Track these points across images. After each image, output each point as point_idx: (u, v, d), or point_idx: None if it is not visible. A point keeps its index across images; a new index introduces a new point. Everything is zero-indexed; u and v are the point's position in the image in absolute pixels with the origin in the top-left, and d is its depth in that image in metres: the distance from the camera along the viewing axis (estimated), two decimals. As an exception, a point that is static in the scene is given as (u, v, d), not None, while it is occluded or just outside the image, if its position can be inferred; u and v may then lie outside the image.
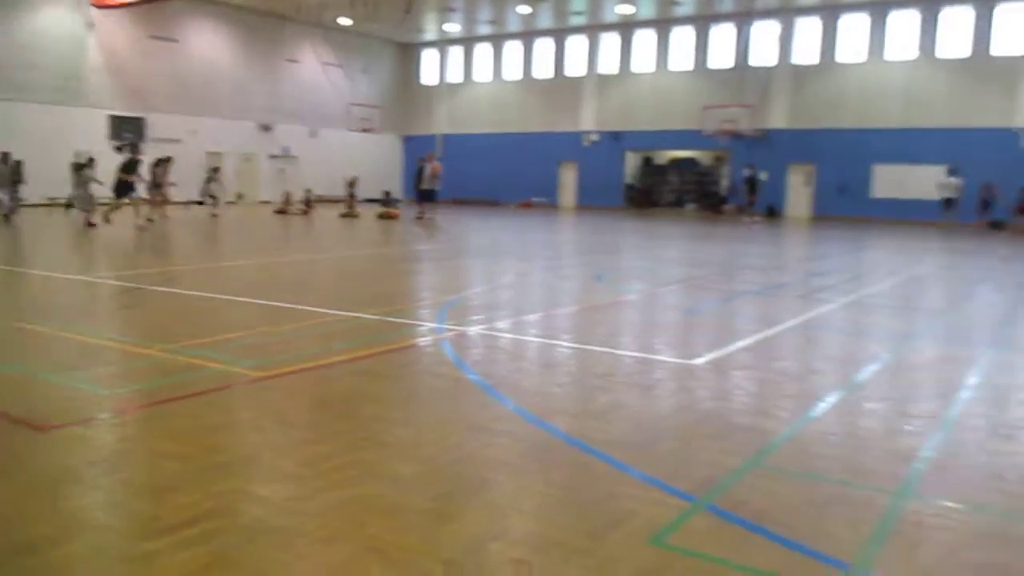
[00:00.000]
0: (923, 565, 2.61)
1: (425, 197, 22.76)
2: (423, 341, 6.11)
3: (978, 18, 29.18)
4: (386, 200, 25.85)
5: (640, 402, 4.52)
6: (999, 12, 28.71)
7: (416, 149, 35.19)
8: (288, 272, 10.49)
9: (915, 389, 5.07)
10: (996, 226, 26.03)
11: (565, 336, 6.58)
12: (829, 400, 4.65)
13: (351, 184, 25.85)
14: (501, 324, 6.85)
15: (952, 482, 3.38)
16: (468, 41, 39.88)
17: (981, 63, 29.04)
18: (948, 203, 25.23)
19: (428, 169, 22.49)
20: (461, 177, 36.76)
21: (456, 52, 40.40)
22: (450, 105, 40.87)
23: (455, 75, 40.65)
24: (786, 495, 3.17)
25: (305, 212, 24.63)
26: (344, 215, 23.74)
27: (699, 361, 5.59)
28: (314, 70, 36.25)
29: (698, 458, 3.58)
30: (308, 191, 26.17)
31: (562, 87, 37.50)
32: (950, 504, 3.14)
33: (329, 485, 3.15)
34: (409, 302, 8.35)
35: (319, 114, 36.69)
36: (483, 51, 39.73)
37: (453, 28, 37.93)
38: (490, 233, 19.09)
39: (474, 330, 6.52)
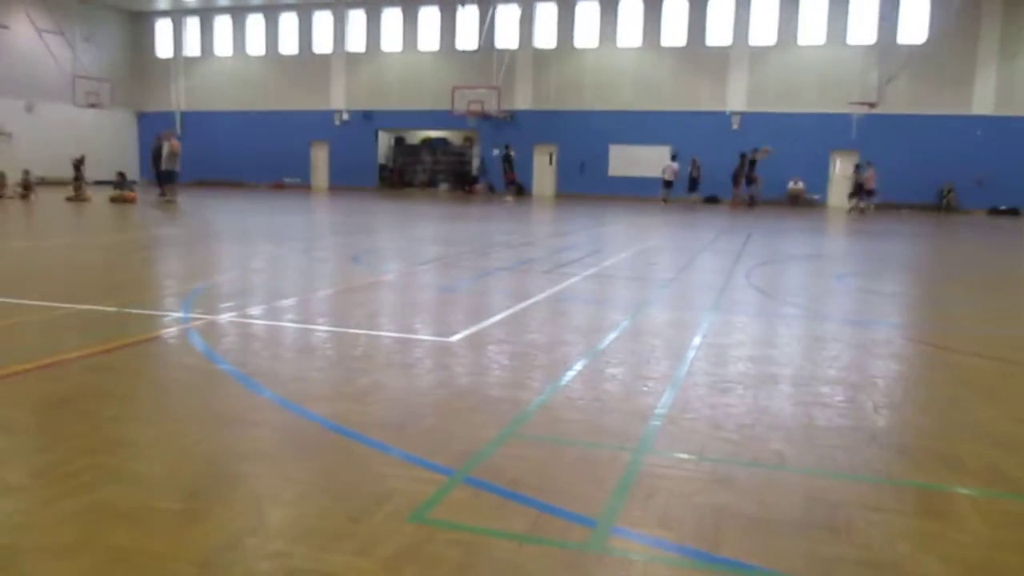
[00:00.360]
0: (659, 512, 2.87)
1: (165, 178, 21.32)
2: (168, 332, 5.74)
3: (692, 11, 31.99)
4: (120, 182, 23.86)
5: (398, 382, 4.56)
6: (712, 5, 31.62)
7: (153, 127, 32.69)
8: (5, 262, 9.40)
9: (649, 352, 5.52)
10: (710, 200, 28.97)
11: (321, 320, 6.47)
12: (575, 368, 4.95)
13: (78, 164, 23.59)
14: (254, 310, 6.59)
15: (682, 435, 3.73)
16: (206, 12, 37.56)
17: (697, 52, 31.90)
18: (668, 184, 28.39)
19: (166, 148, 21.04)
20: (205, 157, 34.70)
21: (193, 24, 37.91)
22: (189, 80, 38.34)
23: (193, 48, 38.14)
24: (538, 460, 3.35)
25: (24, 196, 22.15)
26: (71, 199, 21.65)
27: (455, 338, 5.73)
28: (29, 38, 32.43)
29: (456, 432, 3.68)
30: (27, 172, 23.51)
31: (310, 64, 36.45)
32: (681, 455, 3.46)
33: (63, 493, 2.88)
34: (151, 291, 7.79)
35: (37, 87, 32.96)
36: (223, 24, 37.62)
37: (189, -2, 35.57)
38: (239, 216, 18.25)
39: (224, 318, 6.22)
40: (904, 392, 4.81)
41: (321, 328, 6.08)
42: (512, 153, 30.31)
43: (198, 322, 6.02)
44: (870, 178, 26.58)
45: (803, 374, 4.99)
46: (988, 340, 6.38)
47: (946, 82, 29.83)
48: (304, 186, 36.54)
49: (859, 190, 26.54)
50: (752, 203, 27.52)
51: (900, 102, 29.14)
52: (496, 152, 30.08)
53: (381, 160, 37.20)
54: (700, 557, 2.56)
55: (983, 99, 29.81)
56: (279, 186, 35.90)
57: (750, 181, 27.78)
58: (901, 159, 29.36)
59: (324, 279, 8.90)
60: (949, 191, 29.88)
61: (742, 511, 2.90)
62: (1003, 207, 29.67)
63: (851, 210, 26.52)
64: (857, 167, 27.06)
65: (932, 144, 29.46)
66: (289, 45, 36.68)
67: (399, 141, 38.18)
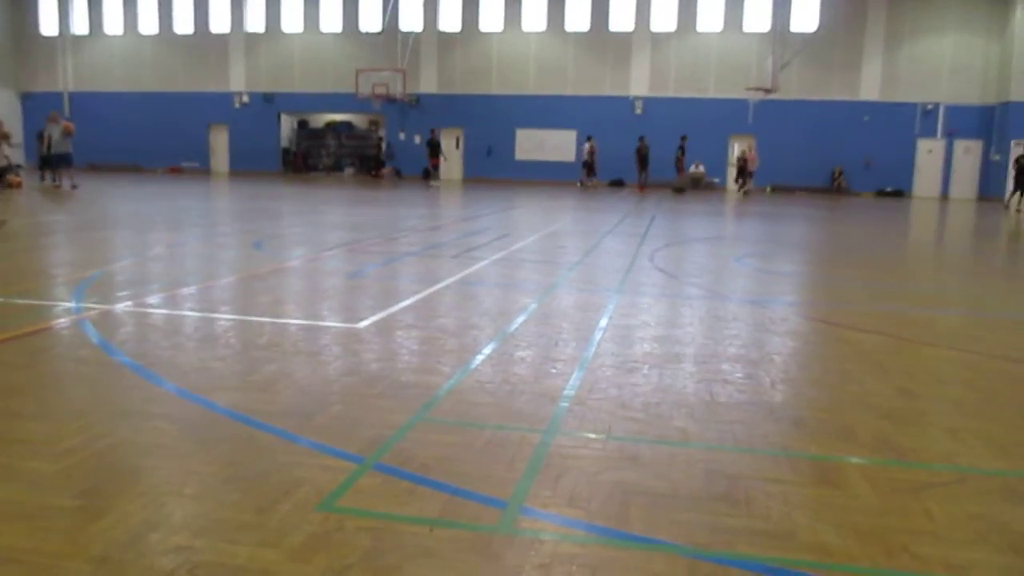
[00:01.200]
0: (569, 491, 2.92)
1: (57, 162, 20.40)
2: (60, 323, 5.49)
3: (595, -4, 32.30)
4: (5, 167, 22.54)
5: (305, 370, 4.48)
6: (612, -9, 31.94)
7: (40, 108, 31.01)
8: None
9: (557, 334, 5.59)
10: (615, 184, 29.47)
11: (224, 308, 6.30)
12: (485, 351, 4.97)
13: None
14: (152, 299, 6.37)
15: (590, 415, 3.80)
16: (93, -12, 35.76)
17: (600, 37, 32.28)
18: (586, 165, 28.96)
19: (58, 130, 20.07)
20: (97, 140, 33.17)
21: (80, 1, 36.09)
22: (77, 59, 36.51)
23: (81, 26, 36.30)
24: (449, 445, 3.36)
25: None
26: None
27: (363, 324, 5.67)
28: None
29: (365, 419, 3.65)
30: None
31: (207, 44, 35.22)
32: (590, 435, 3.53)
33: (-54, 498, 2.73)
34: (40, 280, 7.42)
35: (-96, 65, 30.82)
36: (112, 1, 35.92)
37: (74, -28, 33.86)
38: (134, 201, 17.54)
39: (121, 307, 5.99)
40: (799, 367, 5.02)
41: (224, 316, 5.92)
42: (438, 138, 29.88)
43: (92, 312, 5.77)
44: (751, 160, 27.69)
45: (705, 352, 5.14)
46: (876, 316, 6.71)
47: (835, 69, 31.08)
48: (203, 171, 35.37)
49: (742, 172, 27.56)
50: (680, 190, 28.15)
51: (793, 88, 30.18)
52: (418, 137, 29.63)
53: (284, 144, 36.32)
54: (609, 534, 2.62)
55: (870, 85, 31.19)
56: (176, 170, 34.67)
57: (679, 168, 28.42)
58: (795, 143, 30.50)
59: (225, 266, 8.65)
60: (840, 174, 31.21)
61: (648, 487, 2.98)
62: (889, 189, 31.18)
63: (739, 191, 27.59)
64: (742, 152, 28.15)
65: (823, 128, 30.69)
66: (184, 24, 35.32)
67: (302, 124, 37.35)
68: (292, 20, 34.43)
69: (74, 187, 19.95)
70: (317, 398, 3.99)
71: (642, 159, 28.16)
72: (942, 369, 5.05)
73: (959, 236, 16.38)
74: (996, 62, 30.56)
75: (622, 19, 32.17)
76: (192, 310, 6.14)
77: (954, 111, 30.69)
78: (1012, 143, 30.21)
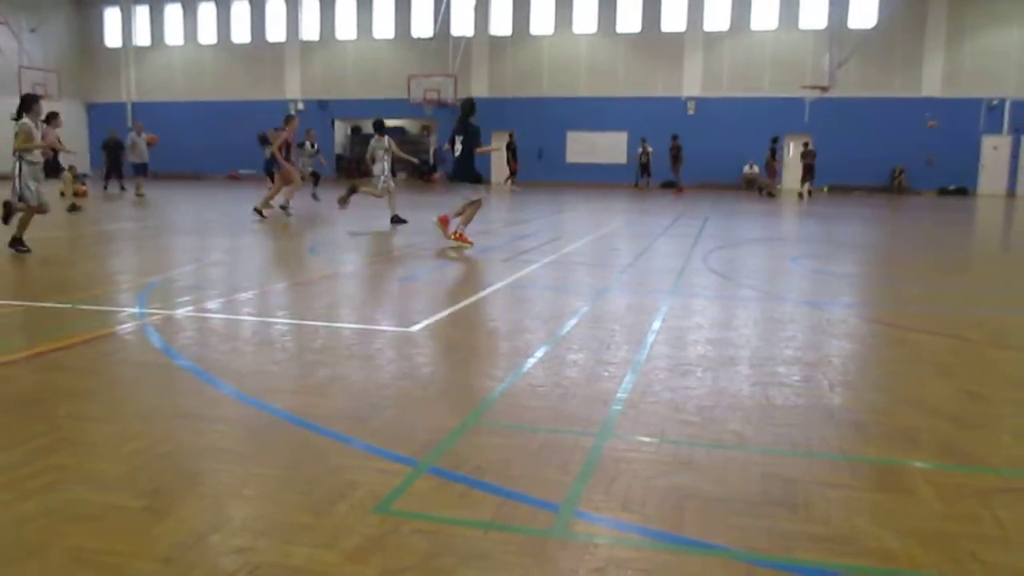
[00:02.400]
0: (622, 495, 2.90)
1: (134, 170, 21.39)
2: (123, 328, 5.64)
3: (646, -5, 32.05)
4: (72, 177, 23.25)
5: (359, 373, 4.54)
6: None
7: (104, 118, 31.95)
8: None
9: (609, 337, 5.56)
10: (669, 186, 29.19)
11: (280, 312, 6.41)
12: (537, 355, 4.97)
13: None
14: (211, 304, 6.51)
15: (643, 419, 3.77)
16: (156, 0, 36.75)
17: (652, 38, 32.04)
18: (644, 168, 28.66)
19: (141, 140, 21.10)
20: (158, 149, 34.02)
21: (143, 12, 37.10)
22: (139, 70, 37.55)
23: (143, 37, 37.32)
24: (502, 448, 3.36)
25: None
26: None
27: (416, 328, 5.71)
28: (-29, 29, 31.48)
29: (419, 423, 3.68)
30: None
31: (263, 53, 35.92)
32: (643, 439, 3.50)
33: (20, 496, 2.83)
34: (106, 286, 7.64)
35: (-20, 78, 31.98)
36: (174, 12, 36.87)
37: (139, -13, 34.85)
38: (196, 208, 17.94)
39: (181, 312, 6.13)
40: (858, 370, 4.91)
41: (280, 321, 6.02)
42: (516, 141, 29.49)
43: (155, 317, 5.92)
44: (776, 164, 26.71)
45: (760, 355, 5.06)
46: (938, 318, 6.53)
47: (895, 65, 30.36)
48: (260, 178, 36.07)
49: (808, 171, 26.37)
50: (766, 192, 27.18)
51: (851, 85, 29.56)
52: (501, 142, 29.38)
53: (338, 150, 36.83)
54: (663, 538, 2.60)
55: (931, 81, 30.39)
56: (235, 177, 35.40)
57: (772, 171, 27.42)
58: (853, 142, 29.84)
59: (281, 271, 8.81)
60: (900, 172, 30.46)
61: (703, 491, 2.94)
62: (952, 187, 30.33)
63: (800, 194, 26.77)
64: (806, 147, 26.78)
65: (883, 126, 29.97)
66: (241, 34, 36.08)
67: (356, 130, 37.82)
68: (346, 27, 34.92)
69: (140, 195, 20.56)
70: (371, 401, 4.03)
71: (675, 159, 27.62)
72: (1009, 371, 4.89)
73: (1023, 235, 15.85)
74: (1064, 54, 29.51)
75: (674, 19, 31.90)
76: (249, 315, 6.26)
77: (1021, 106, 29.72)
78: (1088, 137, 29.08)
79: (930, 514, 2.78)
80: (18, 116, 9.00)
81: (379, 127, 14.96)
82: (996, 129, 30.15)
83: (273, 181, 16.41)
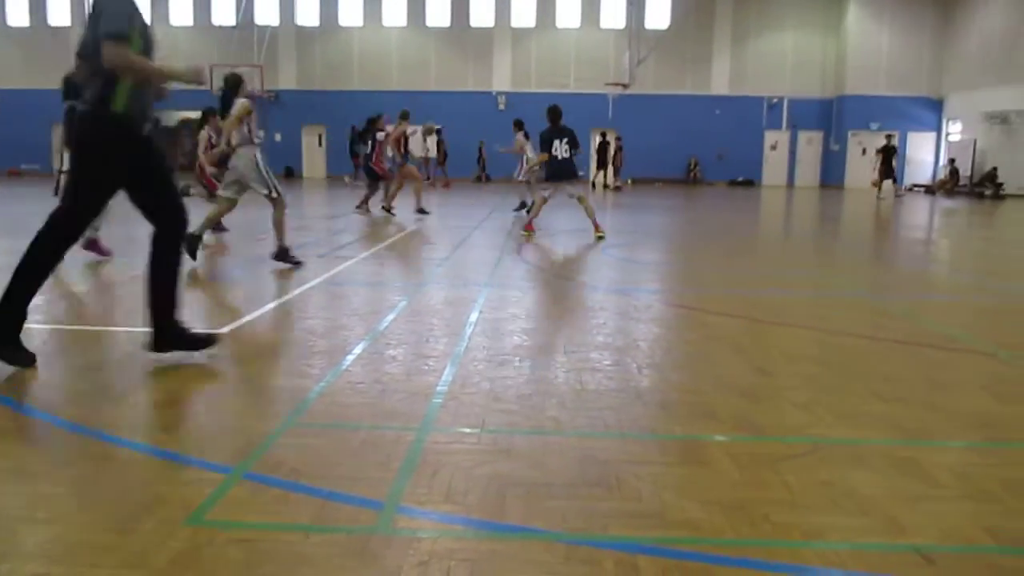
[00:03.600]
0: (445, 487, 2.92)
1: None
2: None
3: (455, -10, 32.31)
4: None
5: (166, 380, 4.28)
6: (473, -14, 32.12)
7: None
8: None
9: (428, 331, 5.58)
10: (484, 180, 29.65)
11: (75, 319, 5.93)
12: (355, 352, 4.90)
13: None
14: (-11, 313, 5.91)
15: (463, 410, 3.81)
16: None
17: (461, 33, 32.34)
18: (427, 160, 28.83)
19: None
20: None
21: None
22: None
23: None
24: (321, 448, 3.29)
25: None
26: None
27: (226, 329, 5.47)
28: None
29: (233, 428, 3.53)
30: None
31: (45, 38, 33.01)
32: (464, 430, 3.54)
33: None
34: None
35: None
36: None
37: None
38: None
39: (-47, 324, 5.53)
40: (664, 352, 5.20)
41: (74, 327, 5.58)
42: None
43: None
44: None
45: (573, 342, 5.25)
46: (732, 300, 7.04)
47: (688, 64, 32.37)
48: (45, 173, 33.18)
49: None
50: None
51: (649, 83, 31.23)
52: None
53: (134, 143, 34.52)
54: (486, 527, 2.64)
55: (720, 80, 32.65)
56: (15, 173, 32.37)
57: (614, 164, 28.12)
58: (653, 136, 31.56)
59: (74, 275, 8.15)
60: (695, 165, 32.54)
61: (524, 478, 3.02)
62: (740, 178, 32.76)
63: (606, 185, 27.93)
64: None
65: (678, 122, 31.89)
66: (18, 16, 32.98)
67: (155, 123, 35.58)
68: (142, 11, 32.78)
69: None
70: (179, 409, 3.82)
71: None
72: (793, 347, 5.36)
73: (804, 222, 17.40)
74: (833, 58, 32.62)
75: (482, 15, 32.37)
76: (39, 323, 5.75)
77: (797, 104, 32.59)
78: (849, 134, 32.34)
79: (729, 483, 2.99)
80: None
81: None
82: (776, 125, 32.88)
83: (376, 180, 15.48)
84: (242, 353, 4.92)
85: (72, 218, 4.27)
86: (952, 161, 29.53)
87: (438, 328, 5.71)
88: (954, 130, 31.17)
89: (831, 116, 32.79)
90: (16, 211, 15.68)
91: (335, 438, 3.43)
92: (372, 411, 3.81)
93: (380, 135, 15.30)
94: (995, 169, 27.93)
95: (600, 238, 11.41)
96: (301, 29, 32.73)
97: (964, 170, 29.51)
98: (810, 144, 33.42)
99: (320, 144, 33.19)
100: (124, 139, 4.30)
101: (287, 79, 32.76)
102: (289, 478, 2.97)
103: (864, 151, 31.81)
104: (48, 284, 4.69)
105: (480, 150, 29.98)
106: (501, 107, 31.87)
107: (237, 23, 31.40)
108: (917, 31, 31.45)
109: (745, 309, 6.53)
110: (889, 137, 24.42)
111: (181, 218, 4.51)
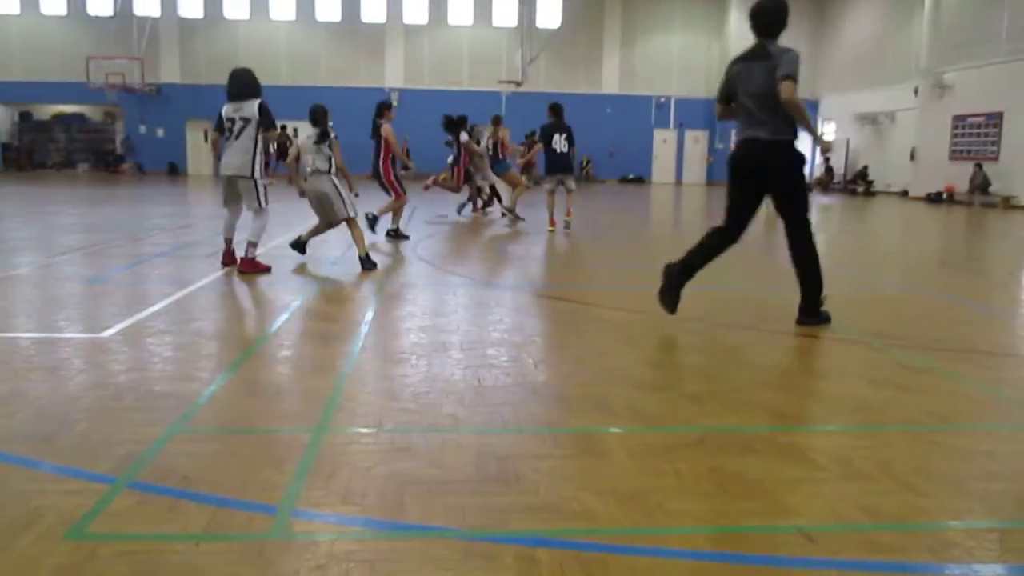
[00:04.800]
0: (342, 488, 2.89)
1: None
2: None
3: (346, -16, 31.80)
4: None
5: (42, 387, 4.06)
6: (364, -18, 31.72)
7: None
8: None
9: (325, 330, 5.48)
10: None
11: (-64, 326, 5.55)
12: (247, 353, 4.77)
13: None
14: None
15: (360, 410, 3.77)
16: None
17: (353, 28, 31.88)
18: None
19: None
20: None
21: None
22: None
23: None
24: (212, 454, 3.19)
25: None
26: None
27: (108, 333, 5.23)
28: None
29: (116, 436, 3.38)
30: None
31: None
32: (361, 429, 3.50)
33: None
34: None
35: None
36: None
37: None
38: None
39: None
40: (559, 347, 5.28)
41: (-63, 335, 5.22)
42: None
43: None
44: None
45: (470, 339, 5.27)
46: (623, 295, 7.20)
47: (579, 63, 32.89)
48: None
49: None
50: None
51: (542, 81, 31.55)
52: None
53: (4, 139, 32.57)
54: (385, 527, 2.62)
55: (610, 79, 33.31)
56: None
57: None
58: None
59: (-64, 278, 7.63)
60: (587, 163, 33.05)
61: (422, 476, 3.01)
62: (631, 175, 33.50)
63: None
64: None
65: (570, 120, 32.26)
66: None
67: (25, 116, 33.67)
68: (6, 1, 30.89)
69: None
70: (58, 417, 3.63)
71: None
72: (683, 339, 5.53)
73: (692, 217, 17.95)
74: (717, 59, 33.72)
75: (374, 10, 32.00)
76: None
77: (684, 104, 33.56)
78: (732, 133, 33.48)
79: (624, 473, 3.07)
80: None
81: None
82: (665, 124, 33.78)
83: (465, 183, 14.80)
84: (126, 358, 4.71)
85: (808, 223, 5.69)
86: (827, 159, 31.01)
87: (333, 328, 5.62)
88: (829, 130, 32.71)
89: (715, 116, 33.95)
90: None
91: (227, 443, 3.34)
92: (265, 414, 3.72)
93: (464, 137, 14.69)
94: (866, 167, 29.58)
95: (555, 230, 12.41)
96: (184, 21, 31.55)
97: (838, 168, 31.11)
98: (696, 143, 34.49)
99: (206, 140, 32.07)
100: (801, 160, 5.63)
101: (170, 73, 31.54)
102: (178, 486, 2.87)
103: (747, 150, 32.99)
104: None
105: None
106: (394, 103, 31.60)
107: (115, 13, 30.00)
108: (794, 35, 32.55)
109: (637, 303, 6.68)
110: None
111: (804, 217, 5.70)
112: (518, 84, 29.79)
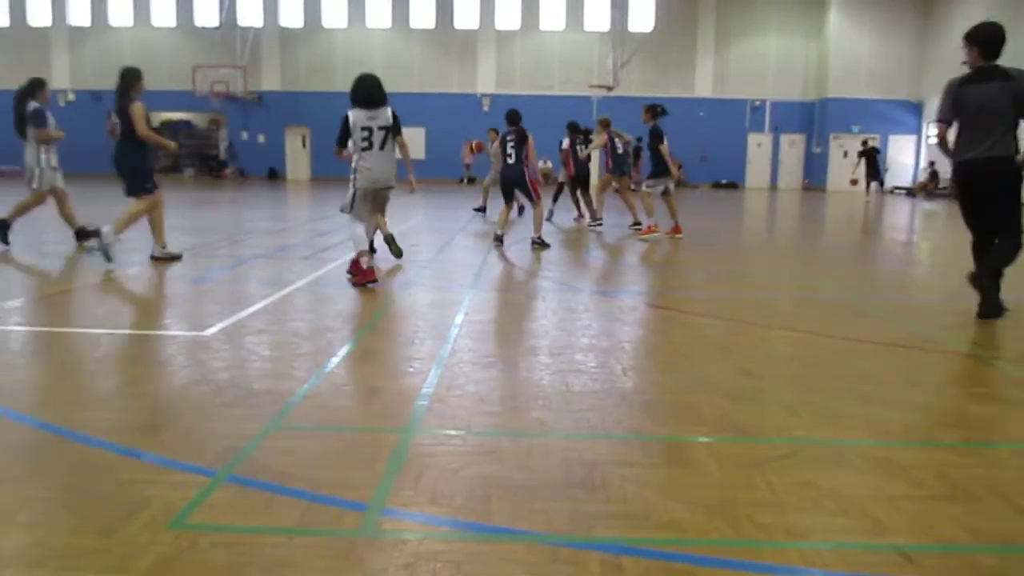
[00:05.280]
0: (430, 489, 2.92)
1: None
2: None
3: (441, -7, 32.32)
4: None
5: (149, 382, 4.26)
6: (458, -11, 32.20)
7: None
8: None
9: (413, 333, 5.57)
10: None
11: (57, 320, 5.89)
12: (340, 354, 4.89)
13: None
14: (-31, 316, 5.86)
15: (449, 412, 3.81)
16: None
17: (446, 34, 32.34)
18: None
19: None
20: None
21: None
22: None
23: None
24: (306, 451, 3.28)
25: None
26: None
27: (211, 331, 5.44)
28: None
29: (217, 430, 3.51)
30: None
31: (25, 38, 32.76)
32: (449, 432, 3.54)
33: None
34: None
35: None
36: (-90, -11, 32.82)
37: None
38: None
39: (-68, 327, 5.48)
40: (648, 354, 5.22)
41: (56, 330, 5.54)
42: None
43: (-101, 333, 5.25)
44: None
45: (559, 344, 5.26)
46: (716, 302, 7.07)
47: (672, 67, 32.50)
48: (21, 173, 32.92)
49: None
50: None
51: (633, 85, 31.31)
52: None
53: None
54: (472, 528, 2.64)
55: (703, 83, 32.79)
56: (-6, 174, 32.05)
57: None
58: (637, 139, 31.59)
59: (55, 277, 8.09)
60: (679, 167, 32.62)
61: (509, 480, 3.02)
62: (724, 181, 32.90)
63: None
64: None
65: (663, 124, 31.93)
66: (-2, 16, 32.74)
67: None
68: (121, 13, 32.55)
69: None
70: (163, 411, 3.80)
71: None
72: (776, 348, 5.39)
73: (788, 224, 17.50)
74: (815, 61, 32.84)
75: (467, 17, 32.38)
76: (19, 325, 5.71)
77: (779, 107, 32.78)
78: (831, 136, 32.54)
79: (712, 484, 3.01)
80: None
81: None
82: (760, 128, 33.05)
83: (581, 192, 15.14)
84: (227, 355, 4.90)
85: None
86: (932, 164, 29.79)
87: (423, 330, 5.70)
88: (933, 133, 31.45)
89: (813, 119, 33.00)
90: None
91: (320, 440, 3.43)
92: (358, 413, 3.81)
93: (565, 142, 15.10)
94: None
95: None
96: (284, 30, 32.62)
97: (944, 173, 29.81)
98: (792, 146, 33.63)
99: (304, 146, 33.07)
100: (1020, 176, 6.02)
101: (271, 81, 32.63)
102: (274, 481, 2.96)
103: (845, 154, 32.08)
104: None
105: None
106: (485, 109, 31.89)
107: (220, 24, 31.25)
108: (897, 35, 31.71)
109: (729, 311, 6.56)
110: (865, 142, 24.82)
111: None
112: (609, 88, 29.64)
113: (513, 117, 11.12)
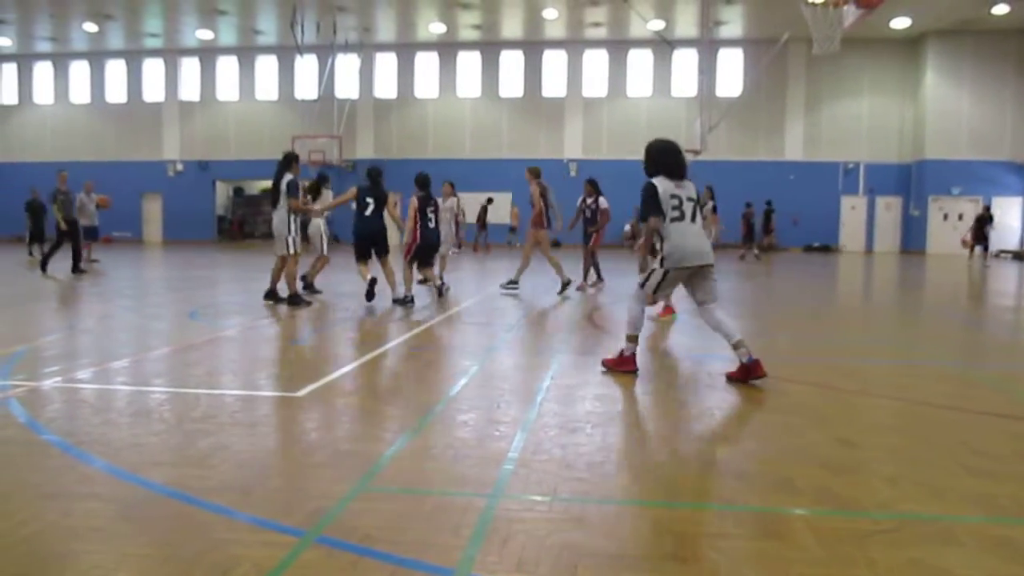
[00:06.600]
0: (516, 555, 2.88)
1: (87, 235, 18.80)
2: (-20, 403, 5.26)
3: (528, 63, 33.33)
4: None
5: (243, 442, 4.37)
6: (546, 59, 32.96)
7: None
8: None
9: (499, 396, 5.57)
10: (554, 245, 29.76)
11: (158, 381, 6.13)
12: (427, 416, 4.92)
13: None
14: (82, 374, 6.16)
15: (534, 477, 3.77)
16: (24, 58, 35.35)
17: (534, 102, 33.01)
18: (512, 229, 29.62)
19: (92, 201, 19.29)
20: (21, 211, 32.33)
21: (10, 70, 35.58)
22: (5, 129, 35.79)
23: (9, 96, 35.72)
24: (393, 513, 3.29)
25: None
26: None
27: (303, 392, 5.57)
28: None
29: (306, 491, 3.56)
30: None
31: (140, 113, 34.93)
32: (535, 497, 3.50)
33: None
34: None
35: None
36: (43, 70, 35.53)
37: (5, 43, 33.40)
38: (62, 272, 17.01)
39: (49, 383, 5.78)
40: (740, 421, 5.08)
41: (157, 390, 5.76)
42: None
43: (18, 389, 5.55)
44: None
45: (646, 409, 5.17)
46: (811, 368, 6.85)
47: (760, 131, 32.27)
48: (135, 240, 34.72)
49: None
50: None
51: (722, 149, 31.17)
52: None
53: (219, 211, 35.94)
54: (557, 598, 2.59)
55: (793, 146, 32.40)
56: (108, 240, 33.93)
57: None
58: (726, 202, 31.27)
59: (160, 337, 8.45)
60: (770, 231, 32.06)
61: (596, 548, 2.96)
62: (816, 244, 32.17)
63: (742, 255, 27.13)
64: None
65: (752, 187, 31.59)
66: (117, 93, 35.03)
67: (238, 191, 37.05)
68: (227, 89, 34.45)
69: (92, 261, 18.90)
70: (255, 471, 3.88)
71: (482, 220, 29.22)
72: (877, 417, 5.17)
73: (889, 288, 16.93)
74: (911, 122, 32.10)
75: (555, 86, 33.01)
76: (124, 384, 5.97)
77: (874, 169, 32.07)
78: (929, 199, 31.59)
79: (810, 559, 2.88)
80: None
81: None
82: (853, 190, 32.35)
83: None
84: (318, 416, 4.99)
85: None
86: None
87: (509, 394, 5.70)
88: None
89: (910, 181, 32.11)
90: (113, 276, 16.36)
91: (407, 503, 3.43)
92: (443, 476, 3.81)
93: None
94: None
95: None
96: (379, 101, 33.86)
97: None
98: (888, 209, 32.72)
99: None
100: None
101: (364, 148, 33.80)
102: (361, 543, 2.97)
103: (946, 216, 31.03)
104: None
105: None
106: (572, 174, 32.19)
107: (319, 97, 32.70)
108: (998, 94, 30.75)
109: (825, 378, 6.35)
110: (988, 208, 24.61)
111: None
112: (697, 152, 29.57)
113: (422, 181, 12.36)
